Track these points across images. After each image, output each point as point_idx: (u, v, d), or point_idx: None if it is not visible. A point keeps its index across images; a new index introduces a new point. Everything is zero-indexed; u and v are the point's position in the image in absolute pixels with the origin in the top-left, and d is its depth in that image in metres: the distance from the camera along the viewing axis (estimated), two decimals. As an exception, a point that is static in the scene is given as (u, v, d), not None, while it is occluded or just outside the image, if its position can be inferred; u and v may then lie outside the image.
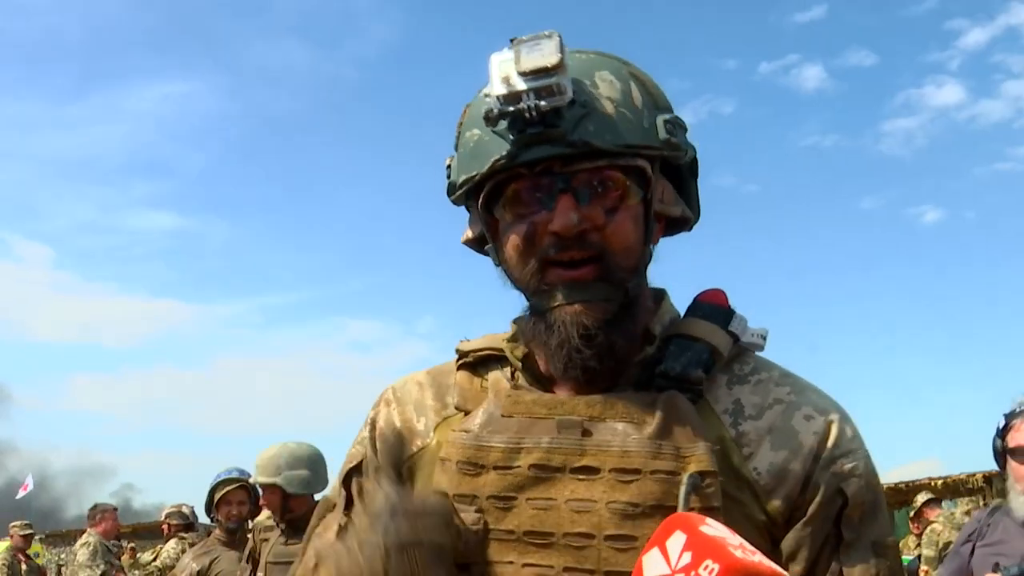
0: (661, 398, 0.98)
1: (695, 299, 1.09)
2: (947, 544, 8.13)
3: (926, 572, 8.06)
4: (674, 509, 0.90)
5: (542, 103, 0.93)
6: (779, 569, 0.79)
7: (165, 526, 7.59)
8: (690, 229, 1.13)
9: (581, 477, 0.96)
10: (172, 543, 7.07)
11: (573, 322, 0.97)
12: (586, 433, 0.97)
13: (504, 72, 0.94)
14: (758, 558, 0.79)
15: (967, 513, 9.05)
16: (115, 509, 8.13)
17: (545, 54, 0.92)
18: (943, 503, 9.60)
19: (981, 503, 12.12)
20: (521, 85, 0.93)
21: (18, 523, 9.55)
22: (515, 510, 0.96)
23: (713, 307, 1.07)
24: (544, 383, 1.05)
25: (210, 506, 4.86)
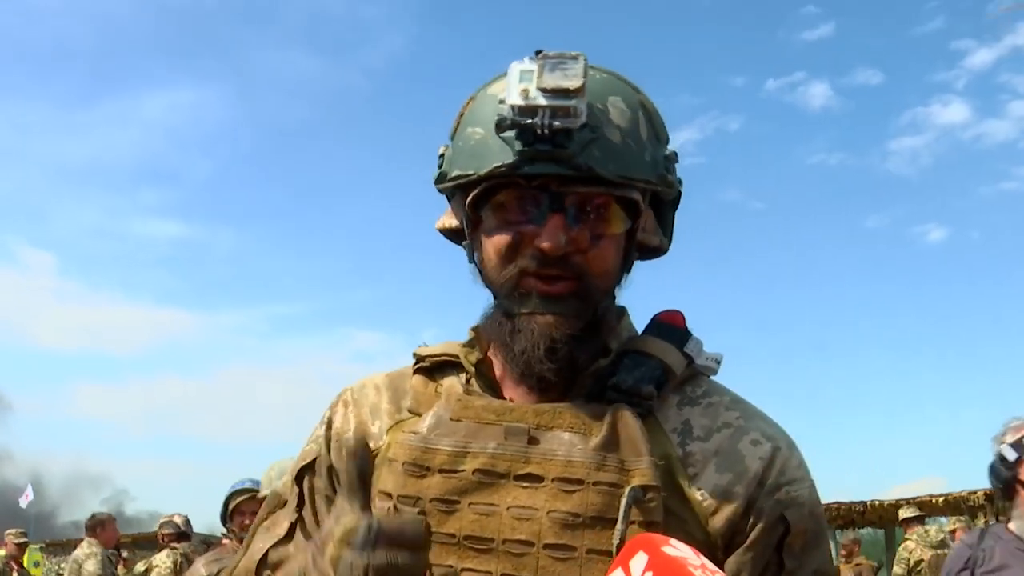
0: (609, 410, 0.99)
1: (653, 318, 1.11)
2: (918, 562, 8.25)
3: None
4: (614, 521, 0.92)
5: (556, 122, 0.94)
6: None
7: (161, 536, 7.56)
8: (661, 256, 1.15)
9: (524, 485, 0.97)
10: (164, 554, 7.04)
11: (541, 332, 0.98)
12: (532, 441, 0.98)
13: (524, 83, 0.94)
14: None
15: (953, 532, 9.00)
16: (114, 519, 8.05)
17: (569, 75, 0.93)
18: (941, 519, 9.58)
19: (983, 521, 12.06)
20: (540, 100, 0.94)
21: (13, 531, 9.37)
22: (457, 514, 0.97)
23: (670, 327, 1.09)
24: (497, 389, 1.06)
25: (225, 516, 4.91)
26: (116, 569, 7.79)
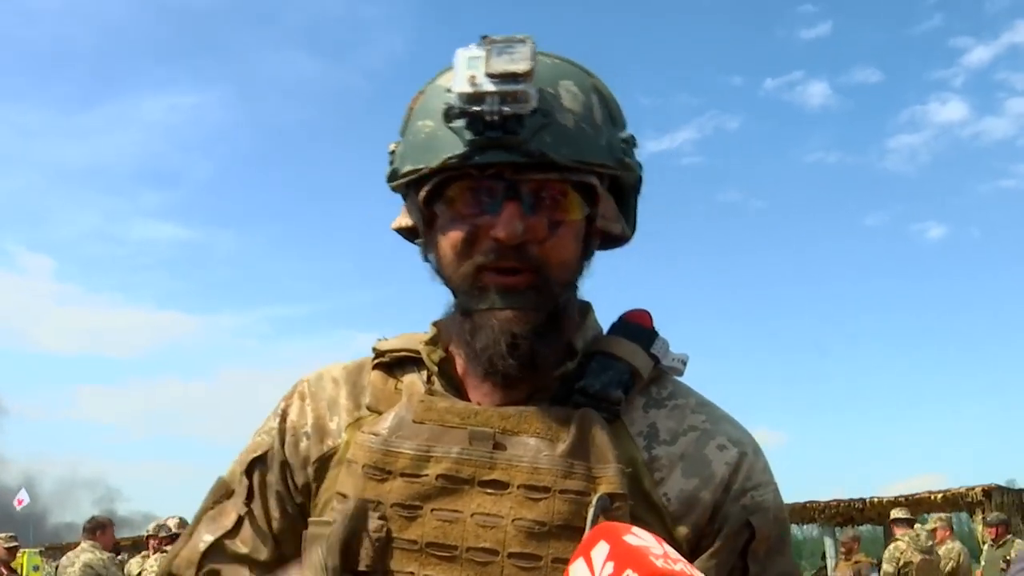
0: (576, 415, 0.97)
1: (620, 317, 1.08)
2: (907, 564, 8.27)
3: None
4: (582, 530, 0.89)
5: (506, 108, 0.91)
6: None
7: (151, 541, 7.42)
8: (624, 245, 1.12)
9: (489, 491, 0.94)
10: (155, 558, 6.96)
11: (502, 328, 0.96)
12: (498, 446, 0.96)
13: (471, 70, 0.92)
14: (680, 567, 0.79)
15: (933, 532, 9.02)
16: (113, 523, 7.90)
17: (516, 59, 0.90)
18: (933, 516, 9.61)
19: (980, 517, 12.04)
20: (488, 87, 0.91)
21: (3, 535, 9.18)
22: (419, 520, 0.94)
23: (637, 327, 1.06)
24: (459, 389, 1.03)
25: None
26: (121, 573, 7.54)
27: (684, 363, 1.08)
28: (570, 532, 0.91)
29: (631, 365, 1.01)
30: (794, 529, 18.90)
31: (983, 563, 9.45)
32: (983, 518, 11.18)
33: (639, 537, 0.82)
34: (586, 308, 1.08)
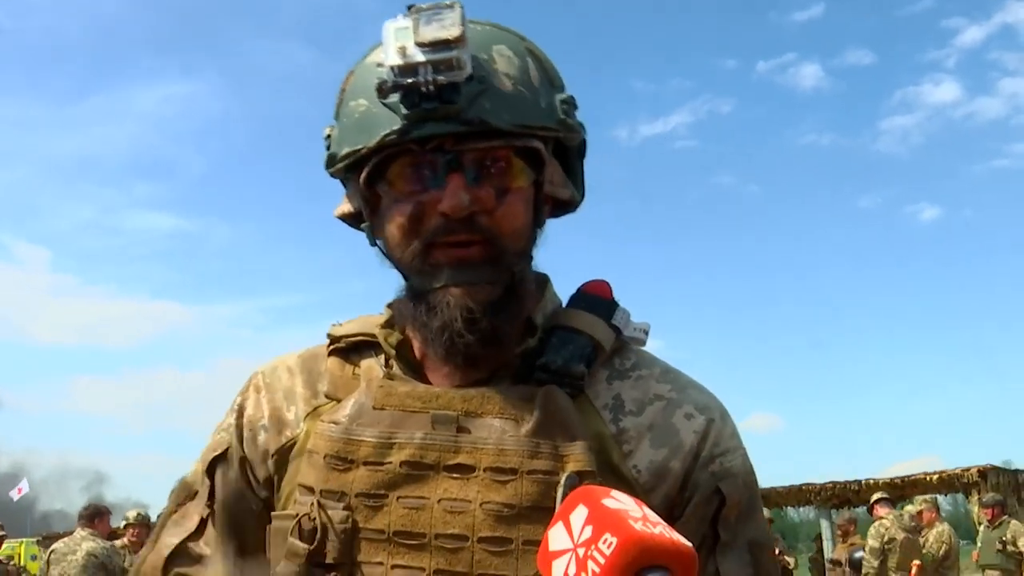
0: (540, 393, 0.95)
1: (579, 289, 1.06)
2: (891, 539, 8.39)
3: (867, 561, 8.39)
4: (551, 511, 0.87)
5: (440, 77, 0.89)
6: (679, 539, 0.77)
7: (128, 531, 7.26)
8: (575, 210, 1.09)
9: (455, 476, 0.92)
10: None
11: (457, 304, 0.93)
12: (462, 429, 0.94)
13: (400, 42, 0.89)
14: (659, 530, 0.77)
15: (919, 514, 9.10)
16: (110, 511, 7.81)
17: (446, 25, 0.88)
18: (910, 506, 9.70)
19: (976, 498, 12.09)
20: (419, 57, 0.88)
21: None
22: (386, 509, 0.92)
23: (597, 299, 1.04)
24: (419, 371, 1.01)
25: None
26: (124, 562, 7.39)
27: (646, 332, 1.06)
28: (540, 513, 0.89)
29: (593, 338, 0.99)
30: (790, 511, 18.97)
31: (979, 544, 9.48)
32: (979, 499, 11.22)
33: (618, 500, 0.81)
34: (544, 281, 1.06)
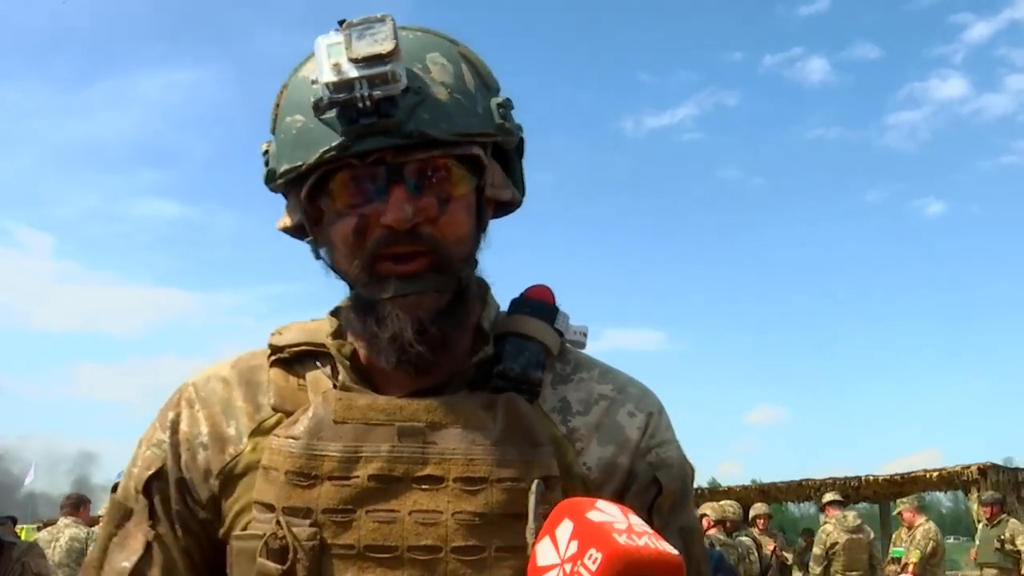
0: (501, 401, 0.96)
1: (523, 294, 1.08)
2: (834, 544, 8.60)
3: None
4: (523, 517, 0.89)
5: (376, 92, 0.89)
6: (665, 548, 0.78)
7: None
8: (515, 210, 1.09)
9: (425, 487, 0.92)
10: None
11: (406, 315, 0.93)
12: (428, 441, 0.94)
13: (334, 58, 0.89)
14: (644, 540, 0.78)
15: (899, 515, 9.18)
16: (90, 500, 7.75)
17: (379, 40, 0.88)
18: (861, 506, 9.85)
19: (975, 495, 12.08)
20: (353, 73, 0.88)
21: None
22: (355, 524, 0.91)
23: (540, 304, 1.06)
24: (370, 381, 1.00)
25: None
26: None
27: (585, 335, 1.08)
28: (511, 520, 0.91)
29: (543, 344, 1.02)
30: (791, 507, 18.98)
31: (978, 542, 9.49)
32: (979, 497, 11.22)
33: (603, 512, 0.82)
34: (486, 288, 1.06)
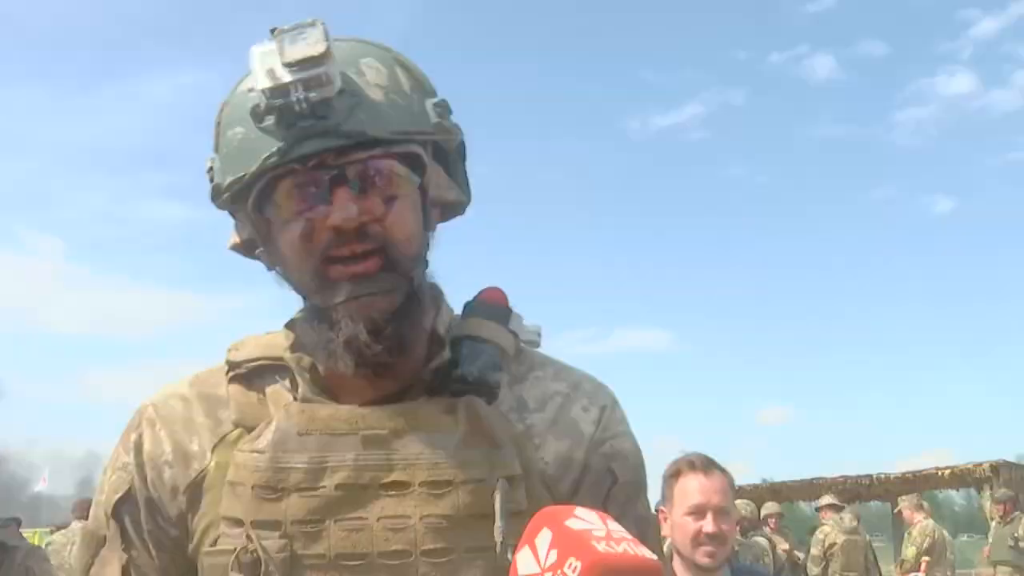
0: (461, 404, 0.97)
1: (476, 297, 1.09)
2: (832, 545, 8.58)
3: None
4: (490, 517, 0.91)
5: (311, 94, 0.90)
6: (644, 554, 0.78)
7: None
8: (463, 212, 1.10)
9: (392, 493, 0.93)
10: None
11: (360, 317, 0.93)
12: (393, 447, 0.95)
13: (268, 64, 0.90)
14: (623, 547, 0.78)
15: (898, 513, 9.28)
16: None
17: (310, 43, 0.89)
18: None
19: (988, 493, 12.03)
20: (287, 77, 0.90)
21: None
22: (324, 534, 0.92)
23: (495, 306, 1.07)
24: (329, 393, 1.00)
25: None
26: None
27: (539, 335, 1.11)
28: (478, 520, 0.92)
29: (499, 346, 1.03)
30: (801, 505, 18.92)
31: (991, 540, 9.45)
32: (991, 494, 11.17)
33: (582, 519, 0.82)
34: (439, 292, 1.06)
